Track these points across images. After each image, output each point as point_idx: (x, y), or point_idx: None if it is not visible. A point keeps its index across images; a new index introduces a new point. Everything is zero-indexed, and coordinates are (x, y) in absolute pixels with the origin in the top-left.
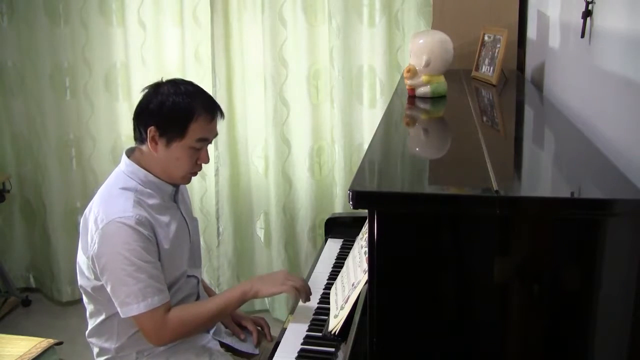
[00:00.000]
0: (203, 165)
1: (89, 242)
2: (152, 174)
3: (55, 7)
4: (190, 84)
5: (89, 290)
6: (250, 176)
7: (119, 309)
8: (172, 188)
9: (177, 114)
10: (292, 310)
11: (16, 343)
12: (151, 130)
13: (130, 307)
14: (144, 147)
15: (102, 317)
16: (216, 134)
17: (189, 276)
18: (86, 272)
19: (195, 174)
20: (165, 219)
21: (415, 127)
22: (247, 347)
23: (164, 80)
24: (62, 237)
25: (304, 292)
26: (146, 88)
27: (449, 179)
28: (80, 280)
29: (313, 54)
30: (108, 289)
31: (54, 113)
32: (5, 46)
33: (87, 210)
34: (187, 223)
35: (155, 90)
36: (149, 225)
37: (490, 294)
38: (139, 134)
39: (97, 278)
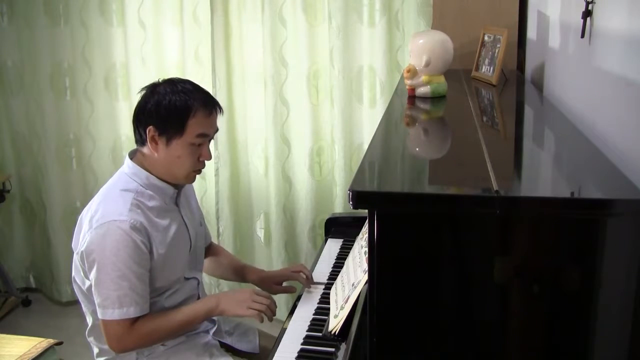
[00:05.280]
0: (205, 164)
1: (80, 240)
2: (155, 175)
3: (55, 7)
4: (188, 82)
5: (84, 289)
6: (250, 176)
7: (97, 309)
8: (173, 190)
9: (175, 111)
10: (292, 311)
11: (16, 343)
12: (150, 130)
13: (106, 311)
14: (145, 149)
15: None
16: (216, 130)
17: (189, 278)
18: (81, 272)
19: (198, 171)
20: (164, 222)
21: (415, 127)
22: (247, 346)
23: (161, 80)
24: (62, 237)
25: (269, 314)
26: (143, 89)
27: (449, 179)
28: (76, 278)
29: (313, 54)
30: (92, 288)
31: (54, 113)
32: (5, 46)
33: (85, 209)
34: (187, 227)
35: (152, 91)
36: (143, 231)
37: (490, 294)
38: (139, 136)
39: (87, 277)
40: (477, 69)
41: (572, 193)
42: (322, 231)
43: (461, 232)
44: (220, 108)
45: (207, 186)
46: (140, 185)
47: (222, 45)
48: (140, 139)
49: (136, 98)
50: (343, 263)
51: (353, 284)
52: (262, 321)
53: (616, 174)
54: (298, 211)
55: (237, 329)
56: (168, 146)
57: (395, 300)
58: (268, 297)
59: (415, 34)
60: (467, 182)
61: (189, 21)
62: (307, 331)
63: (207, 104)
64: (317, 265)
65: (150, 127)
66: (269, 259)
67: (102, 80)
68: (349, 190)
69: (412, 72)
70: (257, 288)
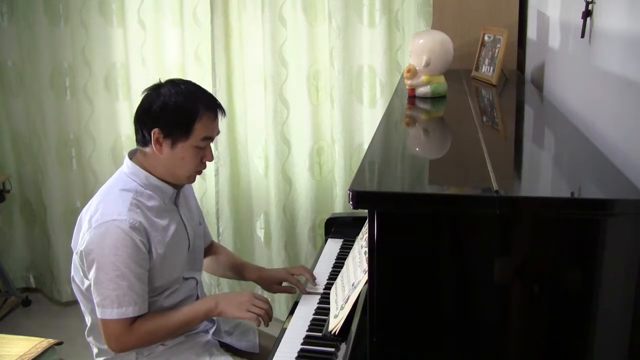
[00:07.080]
0: (206, 164)
1: (79, 239)
2: (155, 175)
3: (55, 7)
4: (190, 83)
5: (83, 289)
6: (250, 176)
7: (96, 308)
8: (172, 190)
9: (182, 114)
10: (292, 311)
11: (16, 343)
12: (155, 133)
13: (105, 310)
14: (147, 149)
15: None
16: (219, 132)
17: (187, 278)
18: (80, 271)
19: (200, 172)
20: (163, 222)
21: (415, 127)
22: (247, 346)
23: (162, 81)
24: (62, 237)
25: (266, 319)
26: (146, 90)
27: (449, 179)
28: (75, 277)
29: (313, 54)
30: (91, 287)
31: (54, 113)
32: (5, 46)
33: (84, 209)
34: (185, 227)
35: (156, 92)
36: (142, 231)
37: (490, 294)
38: (142, 137)
39: (86, 276)
40: (477, 69)
41: (572, 193)
42: (322, 231)
43: (461, 232)
44: (223, 111)
45: (207, 186)
46: (140, 185)
47: (222, 45)
48: (142, 140)
49: (136, 98)
50: (343, 263)
51: (353, 284)
52: (259, 325)
53: (616, 174)
54: (298, 211)
55: (236, 328)
56: (173, 148)
57: (395, 300)
58: (266, 302)
59: (415, 34)
60: (467, 182)
61: (189, 21)
62: (307, 331)
63: (213, 108)
64: (317, 265)
65: (156, 129)
66: (269, 259)
67: (102, 80)
68: (349, 190)
69: (412, 72)
70: (256, 290)
